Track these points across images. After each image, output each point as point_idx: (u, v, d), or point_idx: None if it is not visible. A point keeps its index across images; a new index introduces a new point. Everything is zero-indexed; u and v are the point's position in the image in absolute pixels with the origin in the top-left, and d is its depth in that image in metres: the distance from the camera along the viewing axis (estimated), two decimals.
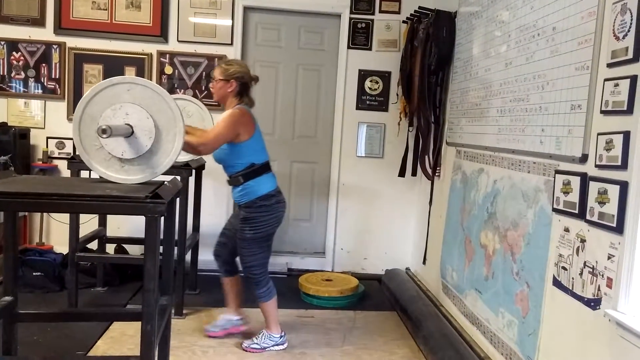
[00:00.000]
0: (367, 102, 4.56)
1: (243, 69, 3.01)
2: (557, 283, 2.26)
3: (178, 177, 3.19)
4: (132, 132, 2.21)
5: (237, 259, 3.22)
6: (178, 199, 2.81)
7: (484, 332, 2.96)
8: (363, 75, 4.53)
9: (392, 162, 4.52)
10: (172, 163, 2.32)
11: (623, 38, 1.89)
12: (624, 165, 1.86)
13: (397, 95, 4.49)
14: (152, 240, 1.95)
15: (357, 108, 4.57)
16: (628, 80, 1.85)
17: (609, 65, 1.97)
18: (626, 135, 1.85)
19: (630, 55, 1.85)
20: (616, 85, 1.91)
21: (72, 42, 4.28)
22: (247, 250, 2.99)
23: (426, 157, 4.14)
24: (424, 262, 4.23)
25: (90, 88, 2.26)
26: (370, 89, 4.55)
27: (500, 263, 2.82)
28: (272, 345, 3.12)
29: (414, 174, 4.35)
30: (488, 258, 2.98)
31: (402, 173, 4.40)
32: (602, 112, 2.00)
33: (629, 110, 1.84)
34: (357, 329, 3.53)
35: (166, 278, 2.48)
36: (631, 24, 1.85)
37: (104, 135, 2.08)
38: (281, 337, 3.15)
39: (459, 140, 3.59)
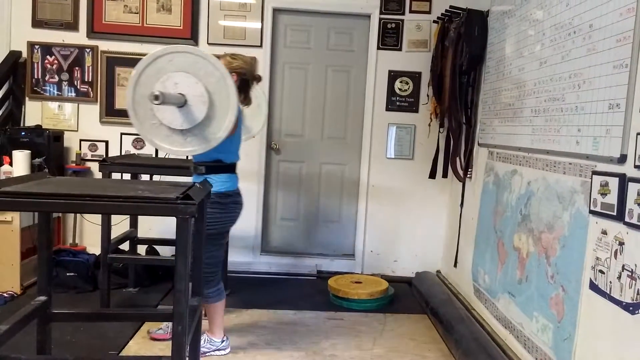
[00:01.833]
0: (397, 103, 4.52)
1: (247, 65, 2.93)
2: (594, 287, 2.19)
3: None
4: (186, 100, 2.22)
5: None
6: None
7: (517, 336, 2.90)
8: (393, 76, 4.49)
9: (423, 163, 4.47)
10: (233, 122, 2.31)
11: None
12: None
13: (428, 96, 4.44)
14: (183, 241, 1.96)
15: (387, 109, 4.53)
16: None
17: None
18: None
19: None
20: None
21: (104, 45, 4.37)
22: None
23: (457, 158, 4.08)
24: (455, 265, 4.17)
25: (134, 69, 2.27)
26: (400, 89, 4.51)
27: (535, 266, 2.75)
28: (213, 350, 3.00)
29: (444, 175, 4.29)
30: (522, 261, 2.92)
31: (432, 175, 4.35)
32: None
33: None
34: (387, 332, 3.49)
35: (197, 279, 2.50)
36: None
37: (156, 102, 2.10)
38: (223, 341, 3.03)
39: (491, 141, 3.52)
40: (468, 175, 3.95)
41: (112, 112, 4.42)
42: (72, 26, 4.35)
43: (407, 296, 4.22)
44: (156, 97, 2.05)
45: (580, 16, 2.42)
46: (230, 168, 2.91)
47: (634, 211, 1.94)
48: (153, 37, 4.34)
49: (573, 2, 2.49)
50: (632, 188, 1.96)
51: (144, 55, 4.27)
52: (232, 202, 2.91)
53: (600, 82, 2.21)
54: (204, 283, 2.95)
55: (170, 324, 3.20)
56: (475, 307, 3.59)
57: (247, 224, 4.54)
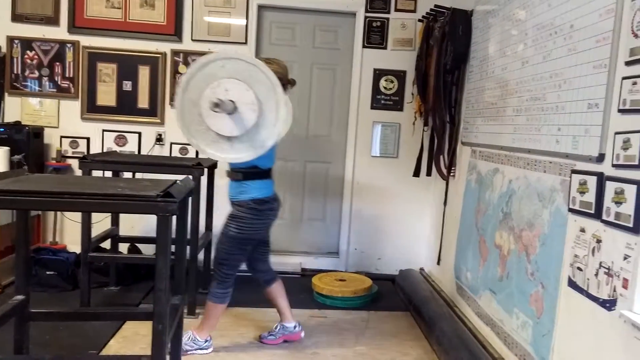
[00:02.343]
0: (382, 102, 4.52)
1: (283, 70, 2.90)
2: (572, 284, 2.22)
3: (190, 177, 3.20)
4: (235, 107, 2.20)
5: (269, 264, 3.22)
6: (190, 198, 2.82)
7: (497, 332, 2.92)
8: (378, 74, 4.50)
9: (407, 162, 4.48)
10: (279, 133, 2.31)
11: None
12: None
13: (413, 94, 4.45)
14: (164, 240, 1.94)
15: (372, 107, 4.54)
16: None
17: (627, 63, 1.93)
18: None
19: None
20: (634, 83, 1.87)
21: (86, 40, 4.31)
22: (226, 247, 2.92)
23: (441, 157, 4.10)
24: (438, 263, 4.19)
25: (185, 74, 2.27)
26: (385, 88, 4.51)
27: (515, 263, 2.78)
28: (195, 349, 2.99)
29: (428, 174, 4.31)
30: (503, 258, 2.94)
31: (416, 173, 4.37)
32: (619, 110, 1.96)
33: None
34: (370, 330, 3.50)
35: (178, 277, 2.48)
36: None
37: (217, 109, 2.10)
38: (206, 341, 3.03)
39: (475, 140, 3.54)
40: (451, 174, 3.97)
41: (93, 109, 4.37)
42: (53, 21, 4.29)
43: (390, 294, 4.24)
44: (216, 105, 2.06)
45: (561, 16, 2.44)
46: (266, 174, 2.91)
47: (611, 209, 1.96)
48: (136, 32, 4.30)
49: (555, 2, 2.51)
50: (610, 186, 1.98)
51: (126, 50, 4.30)
52: (268, 209, 2.92)
53: (580, 82, 2.24)
54: (217, 281, 2.97)
55: (280, 327, 3.24)
56: (458, 304, 3.62)
57: None
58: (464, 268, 3.56)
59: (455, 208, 3.86)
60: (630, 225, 1.85)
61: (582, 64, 2.22)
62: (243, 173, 2.83)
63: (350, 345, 3.24)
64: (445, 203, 4.10)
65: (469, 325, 3.25)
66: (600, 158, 2.07)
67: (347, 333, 3.43)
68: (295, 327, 3.23)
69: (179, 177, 2.35)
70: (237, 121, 2.22)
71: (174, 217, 2.03)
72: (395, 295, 4.22)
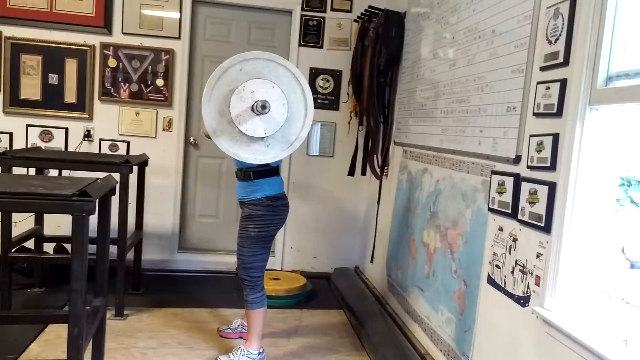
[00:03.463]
0: (319, 101, 4.53)
1: None
2: (491, 281, 2.30)
3: (112, 174, 3.11)
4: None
5: None
6: (117, 196, 2.73)
7: (424, 329, 2.99)
8: (314, 73, 4.51)
9: (343, 161, 4.52)
10: (311, 119, 2.31)
11: (555, 42, 1.93)
12: (552, 167, 1.90)
13: (348, 94, 4.49)
14: (79, 240, 1.88)
15: None
16: (558, 83, 1.89)
17: (542, 69, 2.01)
18: (555, 137, 1.89)
19: (560, 59, 1.89)
20: (547, 88, 1.95)
21: (9, 31, 4.09)
22: (249, 249, 2.84)
23: (375, 156, 4.16)
24: (371, 261, 4.25)
25: (205, 87, 2.28)
26: (321, 87, 4.53)
27: (441, 261, 2.85)
28: None
29: (363, 173, 4.36)
30: (429, 256, 3.02)
31: (351, 172, 4.41)
32: (534, 114, 2.04)
33: (559, 113, 1.88)
34: (302, 328, 3.51)
35: (100, 279, 2.40)
36: (563, 28, 1.89)
37: (265, 110, 2.11)
38: (259, 353, 2.93)
39: (406, 140, 3.61)
40: (384, 173, 4.04)
41: (17, 102, 4.15)
42: None
43: (324, 292, 4.26)
44: (263, 107, 2.09)
45: (485, 21, 2.52)
46: (276, 171, 2.88)
47: (526, 209, 2.05)
48: (63, 23, 4.11)
49: (479, 7, 2.59)
50: (525, 187, 2.07)
51: (52, 42, 4.10)
52: (282, 205, 2.89)
53: (500, 85, 2.32)
54: (248, 288, 2.88)
55: (239, 323, 3.23)
56: (389, 301, 3.68)
57: (163, 220, 4.43)
58: (394, 266, 3.62)
59: (388, 207, 3.93)
60: (542, 224, 1.94)
61: (502, 68, 2.31)
62: (254, 172, 2.80)
63: (282, 345, 3.23)
64: (378, 202, 4.16)
65: (399, 322, 3.32)
66: (517, 160, 2.15)
67: (279, 332, 3.42)
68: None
69: (101, 175, 2.28)
70: (269, 120, 2.23)
71: (94, 216, 1.97)
72: (329, 293, 4.25)
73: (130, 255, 3.72)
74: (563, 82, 1.87)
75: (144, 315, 3.48)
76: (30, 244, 3.77)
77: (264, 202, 2.82)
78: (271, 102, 2.24)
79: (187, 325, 3.39)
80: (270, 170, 2.84)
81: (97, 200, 1.97)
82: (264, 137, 2.28)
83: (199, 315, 3.54)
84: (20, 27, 4.10)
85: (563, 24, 1.89)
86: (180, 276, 4.38)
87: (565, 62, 1.86)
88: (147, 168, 3.90)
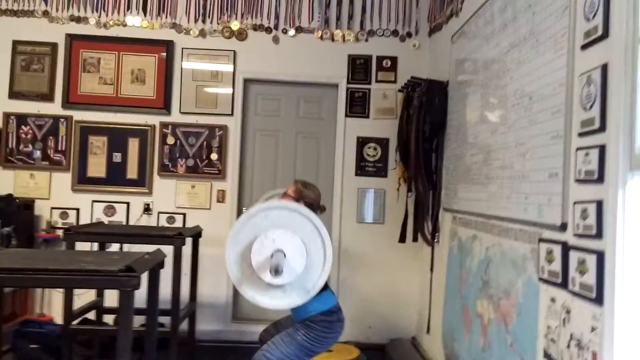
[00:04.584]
0: (367, 169, 4.59)
1: (316, 196, 2.98)
2: (547, 356, 2.17)
3: (171, 247, 3.23)
4: (285, 256, 2.29)
5: None
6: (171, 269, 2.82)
7: None
8: (361, 142, 4.59)
9: (393, 227, 4.49)
10: (329, 270, 2.37)
11: (590, 108, 1.90)
12: (599, 235, 1.82)
13: (396, 161, 4.52)
14: (125, 314, 1.94)
15: (357, 174, 4.60)
16: (597, 149, 1.84)
17: (580, 135, 1.98)
18: (599, 204, 1.82)
19: (597, 125, 1.85)
20: (587, 154, 1.91)
21: (78, 115, 4.45)
22: (282, 347, 2.67)
23: (425, 223, 4.11)
24: (427, 331, 4.11)
25: (229, 233, 2.39)
26: (369, 155, 4.59)
27: (495, 333, 2.73)
28: None
29: (414, 239, 4.31)
30: (484, 328, 2.89)
31: (402, 239, 4.36)
32: (576, 180, 1.99)
33: (600, 179, 1.83)
34: None
35: (149, 350, 2.45)
36: (596, 95, 1.86)
37: (279, 274, 2.21)
38: None
39: (455, 206, 3.57)
40: (436, 240, 3.97)
41: (84, 180, 4.45)
42: (48, 97, 4.45)
43: None
44: (276, 272, 2.17)
45: (522, 89, 2.52)
46: (325, 285, 2.74)
47: (576, 279, 1.95)
48: (126, 106, 4.45)
49: (516, 75, 2.60)
50: (573, 256, 1.98)
51: (117, 124, 4.41)
52: (337, 320, 2.78)
53: (541, 151, 2.28)
54: None
55: None
56: None
57: (217, 290, 4.50)
58: (450, 337, 3.49)
59: (440, 275, 3.83)
60: (593, 296, 1.84)
61: (541, 135, 2.28)
62: None
63: None
64: (431, 269, 4.07)
65: None
66: (563, 227, 2.08)
67: None
68: None
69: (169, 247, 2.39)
70: (288, 268, 2.31)
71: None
72: None
73: (184, 325, 3.78)
74: (602, 148, 1.82)
75: None
76: (92, 314, 3.91)
77: (320, 318, 2.70)
78: (291, 252, 2.30)
79: None
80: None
81: (145, 274, 2.05)
82: (281, 285, 2.34)
83: None
84: (89, 111, 4.46)
85: (596, 91, 1.86)
86: (234, 347, 4.38)
87: (602, 128, 1.83)
88: (200, 239, 4.02)
